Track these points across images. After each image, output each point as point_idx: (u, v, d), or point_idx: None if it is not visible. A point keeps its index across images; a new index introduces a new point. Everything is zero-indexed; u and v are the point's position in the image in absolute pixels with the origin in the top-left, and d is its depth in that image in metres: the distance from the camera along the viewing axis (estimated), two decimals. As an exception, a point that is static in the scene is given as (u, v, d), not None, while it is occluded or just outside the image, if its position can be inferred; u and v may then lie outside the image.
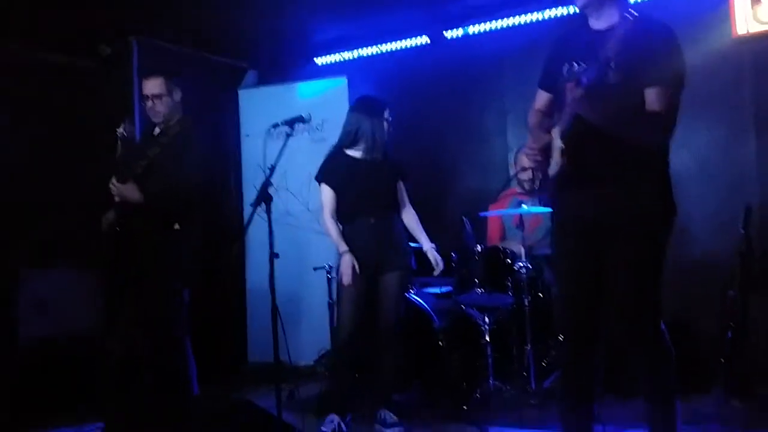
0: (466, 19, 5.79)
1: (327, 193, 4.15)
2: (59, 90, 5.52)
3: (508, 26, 5.69)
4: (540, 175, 2.96)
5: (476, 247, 4.57)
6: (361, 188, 4.10)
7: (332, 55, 6.46)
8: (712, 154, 4.95)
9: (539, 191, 3.08)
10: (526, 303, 4.44)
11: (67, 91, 5.55)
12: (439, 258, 4.26)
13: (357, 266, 4.02)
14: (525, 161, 5.03)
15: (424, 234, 4.34)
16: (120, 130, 4.06)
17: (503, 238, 5.20)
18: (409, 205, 4.38)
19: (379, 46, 6.24)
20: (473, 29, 5.83)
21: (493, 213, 5.04)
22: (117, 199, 4.01)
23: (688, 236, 4.88)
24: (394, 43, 6.17)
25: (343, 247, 4.07)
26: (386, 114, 4.20)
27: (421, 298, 4.77)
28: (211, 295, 5.61)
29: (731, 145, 4.89)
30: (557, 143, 2.81)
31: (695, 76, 4.75)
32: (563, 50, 2.97)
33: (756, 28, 4.76)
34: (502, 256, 4.60)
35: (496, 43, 5.72)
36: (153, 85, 4.11)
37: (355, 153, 4.18)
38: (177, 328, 4.06)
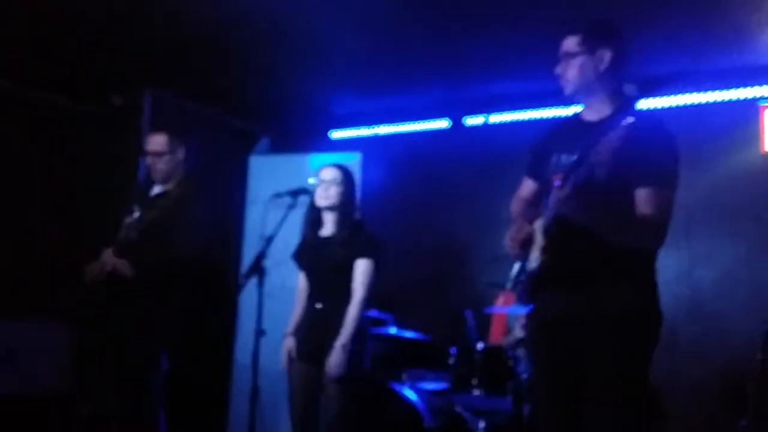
0: (488, 107, 5.75)
1: (300, 274, 3.86)
2: (64, 136, 5.52)
3: (529, 119, 5.65)
4: (518, 269, 2.80)
5: (477, 344, 4.34)
6: (312, 268, 3.72)
7: (349, 129, 6.41)
8: (734, 269, 4.81)
9: (513, 287, 2.87)
10: (526, 411, 4.17)
11: (73, 139, 5.55)
12: (338, 363, 3.45)
13: (293, 351, 3.65)
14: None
15: (347, 328, 3.51)
16: (128, 220, 3.89)
17: (507, 335, 4.99)
18: (360, 290, 3.57)
19: (397, 125, 6.18)
20: (494, 119, 5.78)
21: (497, 309, 4.84)
22: (108, 268, 3.80)
23: (702, 355, 4.71)
24: (412, 124, 6.12)
25: (288, 330, 3.73)
26: (328, 175, 3.68)
27: (414, 393, 4.51)
28: (196, 367, 5.41)
29: (755, 261, 4.74)
30: (539, 238, 2.66)
31: (722, 189, 4.81)
32: (553, 139, 2.86)
33: (785, 145, 4.70)
34: (503, 357, 4.36)
35: (515, 135, 5.63)
36: (156, 142, 4.00)
37: (323, 230, 3.78)
38: (151, 397, 3.86)
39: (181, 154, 4.02)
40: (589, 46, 2.69)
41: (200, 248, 3.92)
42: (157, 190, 4.05)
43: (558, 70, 2.76)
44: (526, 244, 2.71)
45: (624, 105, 2.74)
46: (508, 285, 2.87)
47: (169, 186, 4.00)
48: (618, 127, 2.33)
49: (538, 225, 2.70)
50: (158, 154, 3.97)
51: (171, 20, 4.43)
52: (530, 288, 2.73)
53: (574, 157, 2.52)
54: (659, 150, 2.54)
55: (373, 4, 4.17)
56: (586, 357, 2.58)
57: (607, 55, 2.68)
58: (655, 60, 4.78)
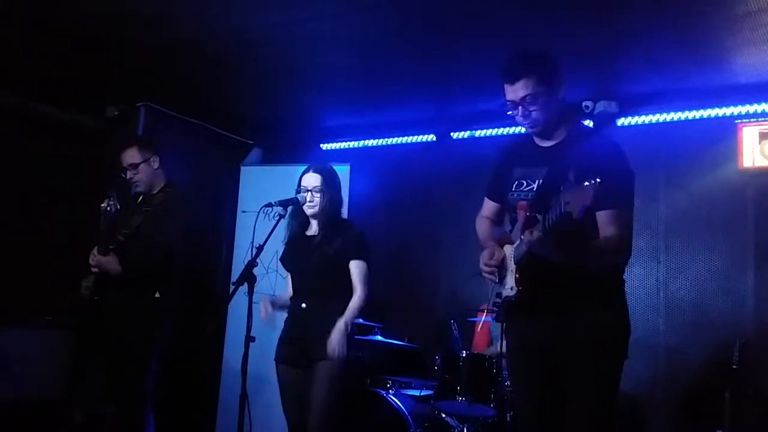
0: (473, 122, 5.83)
1: (287, 278, 3.92)
2: (58, 147, 5.56)
3: (514, 133, 5.68)
4: (493, 293, 2.86)
5: (461, 352, 4.42)
6: (298, 269, 3.75)
7: (338, 142, 6.49)
8: (709, 284, 4.87)
9: (490, 309, 2.94)
10: (509, 418, 4.25)
11: (66, 149, 5.59)
12: (338, 341, 3.51)
13: (270, 308, 3.71)
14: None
15: (347, 314, 3.58)
16: (104, 204, 4.06)
17: (490, 345, 5.06)
18: (361, 288, 3.65)
19: (385, 138, 6.27)
20: (480, 133, 5.86)
21: (481, 319, 4.92)
22: (95, 270, 4.01)
23: (679, 365, 4.77)
24: (400, 137, 6.21)
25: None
26: (310, 182, 3.72)
27: (398, 400, 4.58)
28: (185, 372, 5.45)
29: (729, 276, 4.83)
30: (511, 264, 2.72)
31: (699, 204, 4.90)
32: (509, 160, 2.93)
33: (762, 163, 4.79)
34: (487, 365, 4.44)
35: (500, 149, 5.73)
36: (128, 156, 4.19)
37: (310, 230, 3.83)
38: (139, 398, 3.94)
39: (155, 162, 4.20)
40: (548, 83, 2.68)
41: (185, 250, 4.04)
42: (141, 197, 4.23)
43: (516, 113, 2.71)
44: (500, 269, 2.78)
45: (574, 126, 2.80)
46: (488, 306, 2.94)
47: (154, 191, 4.20)
48: (574, 152, 2.46)
49: (509, 251, 2.76)
50: (133, 166, 4.16)
51: (167, 35, 4.50)
52: (506, 312, 2.79)
53: (533, 185, 2.65)
54: (617, 172, 2.56)
55: (363, 23, 4.25)
56: (566, 375, 2.68)
57: (562, 86, 2.72)
58: (636, 79, 4.90)
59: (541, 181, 2.69)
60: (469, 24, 4.20)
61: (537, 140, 2.85)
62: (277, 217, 3.56)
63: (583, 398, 2.65)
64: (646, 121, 5.18)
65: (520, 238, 2.60)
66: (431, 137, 6.03)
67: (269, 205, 3.57)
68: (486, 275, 2.83)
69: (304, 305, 3.66)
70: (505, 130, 5.73)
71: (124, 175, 4.18)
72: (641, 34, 4.22)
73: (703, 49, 4.37)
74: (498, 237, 2.91)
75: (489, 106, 5.54)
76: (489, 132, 5.82)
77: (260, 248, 3.40)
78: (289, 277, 3.86)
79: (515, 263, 2.68)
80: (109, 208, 4.05)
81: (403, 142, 6.19)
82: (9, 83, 5.19)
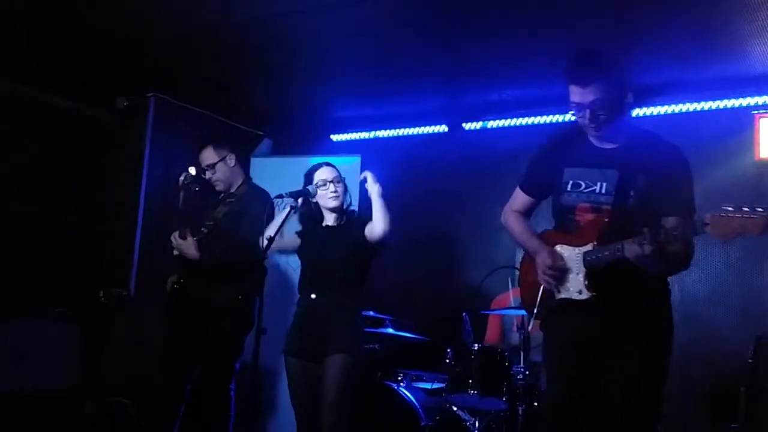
0: (485, 113, 5.79)
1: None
2: (69, 136, 5.55)
3: (525, 124, 5.70)
4: (539, 294, 2.85)
5: (473, 345, 4.39)
6: (313, 259, 3.70)
7: (349, 133, 6.46)
8: (725, 278, 4.83)
9: (536, 314, 2.91)
10: (520, 411, 4.22)
11: (77, 139, 5.58)
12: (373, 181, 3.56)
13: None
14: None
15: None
16: (182, 178, 4.17)
17: (502, 338, 5.03)
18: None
19: (396, 129, 6.24)
20: (492, 123, 5.83)
21: (494, 311, 4.89)
22: (176, 252, 4.13)
23: (694, 361, 4.71)
24: (412, 128, 6.17)
25: None
26: (329, 175, 3.73)
27: (409, 393, 4.56)
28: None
29: (745, 270, 4.78)
30: (577, 267, 2.71)
31: (716, 196, 4.76)
32: (559, 156, 2.89)
33: (780, 153, 4.74)
34: (499, 358, 4.39)
35: (512, 140, 5.69)
36: (205, 156, 4.31)
37: (325, 222, 3.81)
38: (224, 399, 4.10)
39: (231, 160, 4.34)
40: (619, 89, 2.67)
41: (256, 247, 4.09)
42: (222, 195, 4.36)
43: (582, 115, 2.69)
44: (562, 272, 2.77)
45: (632, 128, 2.80)
46: (538, 307, 2.89)
47: (234, 189, 4.34)
48: (640, 155, 2.52)
49: (565, 251, 2.77)
50: (210, 167, 4.28)
51: (176, 26, 4.48)
52: (561, 311, 2.79)
53: (595, 188, 2.68)
54: (688, 182, 2.64)
55: (374, 13, 4.22)
56: (614, 373, 2.67)
57: (629, 91, 2.71)
58: (652, 69, 4.83)
59: (607, 185, 2.70)
60: (480, 14, 4.16)
61: (595, 141, 2.81)
62: (288, 209, 3.54)
63: (630, 393, 2.65)
64: (661, 112, 5.14)
65: (593, 243, 2.65)
66: (443, 128, 6.00)
67: (279, 196, 3.57)
68: (546, 280, 2.79)
69: (313, 296, 3.63)
70: (517, 121, 5.71)
71: (203, 177, 4.28)
72: (655, 23, 4.17)
73: (719, 37, 4.31)
74: (540, 235, 2.92)
75: (501, 97, 5.52)
76: (501, 123, 5.78)
77: (271, 240, 3.38)
78: (300, 268, 3.83)
79: (587, 267, 2.68)
80: (187, 182, 4.14)
81: (415, 133, 6.16)
82: (18, 73, 5.17)
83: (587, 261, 2.69)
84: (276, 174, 5.97)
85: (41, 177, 5.39)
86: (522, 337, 4.40)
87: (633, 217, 2.56)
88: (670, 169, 2.54)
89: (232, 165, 4.35)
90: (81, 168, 5.57)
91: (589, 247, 2.70)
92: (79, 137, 5.61)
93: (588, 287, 2.68)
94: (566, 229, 2.83)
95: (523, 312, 4.39)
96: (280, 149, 6.58)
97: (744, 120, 4.86)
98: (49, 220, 5.33)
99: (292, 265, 5.73)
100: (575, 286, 2.73)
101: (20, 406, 4.69)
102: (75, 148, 5.57)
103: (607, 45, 4.42)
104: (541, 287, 2.84)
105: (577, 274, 2.72)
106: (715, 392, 4.61)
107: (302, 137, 6.51)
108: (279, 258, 5.55)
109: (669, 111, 5.13)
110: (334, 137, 6.51)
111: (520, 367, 4.29)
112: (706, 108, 5.02)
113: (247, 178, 4.46)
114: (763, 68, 4.63)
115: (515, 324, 4.59)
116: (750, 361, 4.22)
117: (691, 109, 5.06)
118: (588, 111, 2.66)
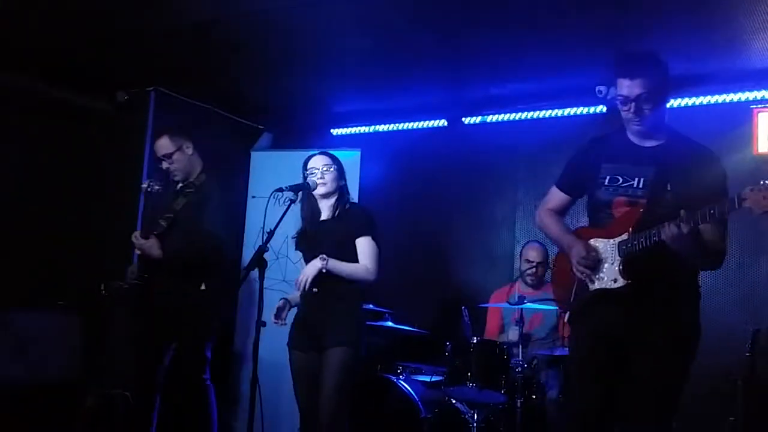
0: (485, 107, 5.78)
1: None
2: (70, 129, 5.56)
3: (525, 119, 5.69)
4: (574, 287, 2.90)
5: (472, 338, 4.41)
6: (311, 253, 3.69)
7: (349, 127, 6.46)
8: (723, 270, 4.76)
9: (569, 306, 3.00)
10: (519, 404, 4.25)
11: (77, 132, 5.59)
12: (308, 275, 3.54)
13: (283, 316, 3.73)
14: (532, 255, 4.94)
15: (343, 266, 3.61)
16: (144, 185, 4.09)
17: (501, 332, 5.05)
18: (368, 261, 3.65)
19: (396, 123, 6.23)
20: (491, 118, 5.82)
21: (493, 305, 4.91)
22: (138, 252, 4.06)
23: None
24: (411, 122, 6.17)
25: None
26: (319, 163, 3.77)
27: (409, 385, 4.59)
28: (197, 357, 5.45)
29: (743, 263, 4.80)
30: (612, 257, 2.76)
31: None
32: (597, 154, 2.95)
33: (778, 148, 4.73)
34: (498, 351, 4.42)
35: (512, 135, 5.70)
36: (161, 146, 4.20)
37: (322, 215, 3.83)
38: (200, 388, 4.09)
39: (188, 149, 4.21)
40: (664, 85, 2.80)
41: (220, 238, 4.06)
42: (181, 184, 4.25)
43: (627, 108, 2.79)
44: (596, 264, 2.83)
45: (671, 129, 2.87)
46: (572, 297, 2.93)
47: (192, 178, 4.21)
48: (679, 155, 2.65)
49: (600, 244, 2.83)
50: (167, 156, 4.16)
51: (176, 19, 4.47)
52: (594, 303, 2.84)
53: (633, 182, 2.75)
54: (721, 182, 2.74)
55: (375, 6, 4.21)
56: (638, 368, 2.74)
57: (671, 90, 2.84)
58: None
59: (644, 180, 2.77)
60: (482, 8, 4.15)
61: (635, 139, 2.88)
62: (288, 202, 3.55)
63: (651, 390, 2.73)
64: (661, 107, 5.13)
65: (628, 232, 2.71)
66: (443, 122, 6.00)
67: (280, 190, 3.57)
68: (580, 272, 2.85)
69: (315, 289, 3.64)
70: (517, 116, 5.69)
71: (161, 167, 4.20)
72: (655, 17, 4.16)
73: (718, 32, 4.30)
74: (575, 231, 3.00)
75: (501, 91, 5.51)
76: (501, 117, 5.77)
77: (271, 233, 3.39)
78: (302, 261, 3.84)
79: (622, 256, 2.74)
80: (149, 189, 4.07)
81: (415, 127, 6.16)
82: (18, 66, 5.17)
83: (622, 250, 2.75)
84: (276, 168, 5.99)
85: (42, 170, 5.39)
86: (521, 331, 4.43)
87: (669, 208, 2.62)
88: (707, 172, 2.67)
89: (190, 153, 4.21)
90: (81, 160, 5.57)
91: (624, 236, 2.76)
92: (79, 131, 5.61)
93: (623, 274, 2.73)
94: (601, 224, 2.89)
95: (520, 306, 4.41)
96: (280, 143, 6.59)
97: (743, 114, 4.86)
98: (49, 212, 5.33)
99: (292, 258, 5.80)
100: (610, 275, 2.78)
101: (22, 398, 4.72)
102: (75, 142, 5.57)
103: (608, 38, 4.43)
104: (576, 281, 2.88)
105: (612, 264, 2.78)
106: (713, 385, 4.62)
107: (302, 131, 6.52)
108: (278, 251, 5.58)
109: (668, 105, 5.07)
110: (334, 131, 6.51)
111: (519, 360, 4.32)
112: (704, 102, 5.03)
113: (207, 167, 4.27)
114: (761, 63, 4.63)
115: (513, 317, 4.60)
116: (747, 354, 4.25)
117: (689, 104, 5.06)
118: (633, 104, 2.76)
